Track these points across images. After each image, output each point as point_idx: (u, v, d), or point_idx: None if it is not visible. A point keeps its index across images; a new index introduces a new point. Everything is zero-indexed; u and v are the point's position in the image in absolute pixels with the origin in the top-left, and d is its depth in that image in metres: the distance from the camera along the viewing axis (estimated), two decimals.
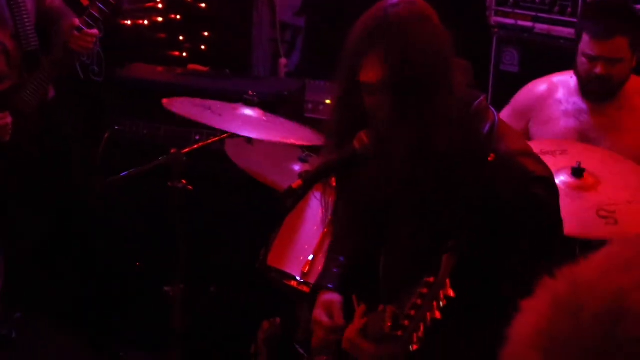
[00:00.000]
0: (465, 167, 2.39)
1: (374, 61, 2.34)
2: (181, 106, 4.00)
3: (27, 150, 4.21)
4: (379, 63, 2.33)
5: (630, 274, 1.03)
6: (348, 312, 2.67)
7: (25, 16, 4.11)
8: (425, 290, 2.23)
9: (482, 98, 2.47)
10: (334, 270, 2.79)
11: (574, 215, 3.26)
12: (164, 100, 3.93)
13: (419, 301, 2.23)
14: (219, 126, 3.88)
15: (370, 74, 2.35)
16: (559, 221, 2.48)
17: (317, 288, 2.80)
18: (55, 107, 4.37)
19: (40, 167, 4.32)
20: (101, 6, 4.10)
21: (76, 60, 4.20)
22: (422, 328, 2.21)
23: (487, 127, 2.43)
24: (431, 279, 2.23)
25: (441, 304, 2.20)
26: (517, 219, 2.39)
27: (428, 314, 2.21)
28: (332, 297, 2.74)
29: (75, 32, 4.08)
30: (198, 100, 4.09)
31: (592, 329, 1.00)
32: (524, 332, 1.06)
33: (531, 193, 2.39)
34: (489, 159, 2.38)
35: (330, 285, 2.76)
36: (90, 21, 4.10)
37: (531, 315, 1.06)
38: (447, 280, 2.21)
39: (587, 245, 3.33)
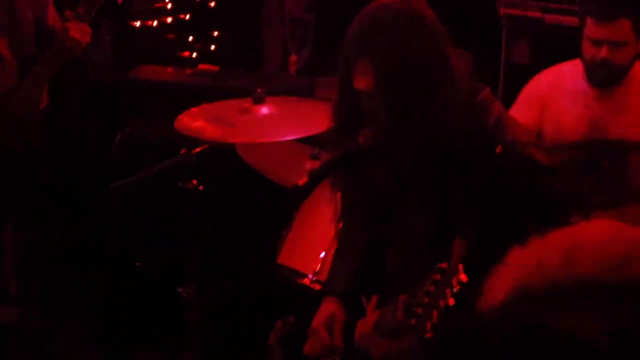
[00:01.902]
0: (472, 158, 2.37)
1: (363, 69, 2.33)
2: (192, 121, 3.96)
3: (27, 157, 4.20)
4: (369, 71, 2.31)
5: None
6: (358, 311, 2.65)
7: (22, 23, 4.10)
8: (438, 277, 2.21)
9: (486, 90, 2.45)
10: (343, 271, 2.77)
11: None
12: (176, 124, 3.89)
13: (432, 288, 2.21)
14: (231, 140, 3.88)
15: (362, 82, 2.34)
16: (566, 209, 2.48)
17: (326, 292, 2.79)
18: (52, 114, 4.37)
19: (46, 172, 4.32)
20: None
21: (68, 57, 4.13)
22: (435, 315, 2.19)
23: (492, 119, 2.41)
24: (444, 265, 2.21)
25: (454, 290, 2.18)
26: (525, 208, 2.38)
27: (441, 301, 2.19)
28: (336, 310, 2.71)
29: (66, 24, 4.05)
30: (207, 108, 4.05)
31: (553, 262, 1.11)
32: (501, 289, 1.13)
33: (538, 182, 2.38)
34: (497, 150, 2.37)
35: (338, 291, 2.73)
36: (81, 15, 4.07)
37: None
38: (460, 266, 2.19)
39: None
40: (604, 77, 3.83)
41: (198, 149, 3.92)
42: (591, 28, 3.75)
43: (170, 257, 4.46)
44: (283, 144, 4.16)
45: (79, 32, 4.03)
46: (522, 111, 3.93)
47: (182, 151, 3.87)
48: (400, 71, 2.29)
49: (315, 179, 2.48)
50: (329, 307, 2.73)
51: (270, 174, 4.08)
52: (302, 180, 2.47)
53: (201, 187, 3.88)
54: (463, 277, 2.17)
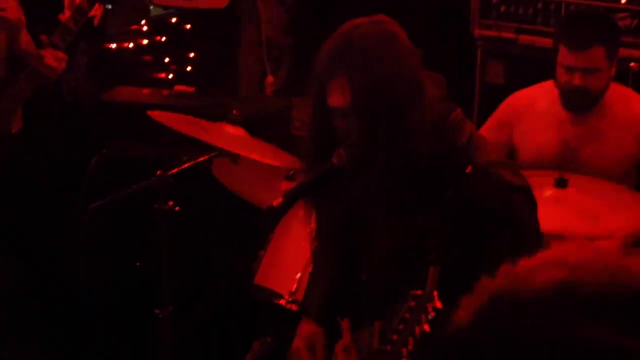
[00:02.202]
0: (443, 178, 2.39)
1: (339, 86, 2.35)
2: (169, 121, 3.98)
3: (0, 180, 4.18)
4: (344, 88, 2.33)
5: (560, 269, 1.09)
6: (333, 332, 2.66)
7: None
8: (413, 304, 2.22)
9: (457, 111, 2.47)
10: (319, 291, 2.78)
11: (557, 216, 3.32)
12: (149, 112, 3.89)
13: (407, 315, 2.23)
14: (208, 140, 3.87)
15: (337, 99, 2.36)
16: (536, 231, 2.48)
17: (301, 312, 2.79)
18: (27, 137, 4.35)
19: (20, 195, 4.30)
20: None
21: (43, 82, 4.11)
22: (411, 342, 2.21)
23: (464, 139, 2.43)
24: (419, 292, 2.22)
25: (429, 316, 2.19)
26: (495, 229, 2.39)
27: (417, 328, 2.20)
28: (314, 329, 2.72)
29: (41, 51, 4.03)
30: (184, 117, 4.08)
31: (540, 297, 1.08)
32: (464, 324, 1.10)
33: (508, 203, 2.39)
34: (467, 170, 2.38)
35: (314, 313, 2.74)
36: (56, 44, 4.05)
37: (467, 310, 1.09)
38: (435, 293, 2.20)
39: None
40: (579, 103, 3.84)
41: (174, 170, 3.92)
42: (564, 55, 3.76)
43: (147, 278, 4.45)
44: (258, 164, 4.16)
45: (55, 59, 4.02)
46: (494, 130, 3.95)
47: (158, 173, 3.87)
48: (375, 89, 2.31)
49: (291, 200, 2.49)
50: (308, 328, 2.74)
51: (245, 194, 4.08)
52: (277, 201, 2.48)
53: (177, 209, 3.88)
54: (438, 304, 2.19)
